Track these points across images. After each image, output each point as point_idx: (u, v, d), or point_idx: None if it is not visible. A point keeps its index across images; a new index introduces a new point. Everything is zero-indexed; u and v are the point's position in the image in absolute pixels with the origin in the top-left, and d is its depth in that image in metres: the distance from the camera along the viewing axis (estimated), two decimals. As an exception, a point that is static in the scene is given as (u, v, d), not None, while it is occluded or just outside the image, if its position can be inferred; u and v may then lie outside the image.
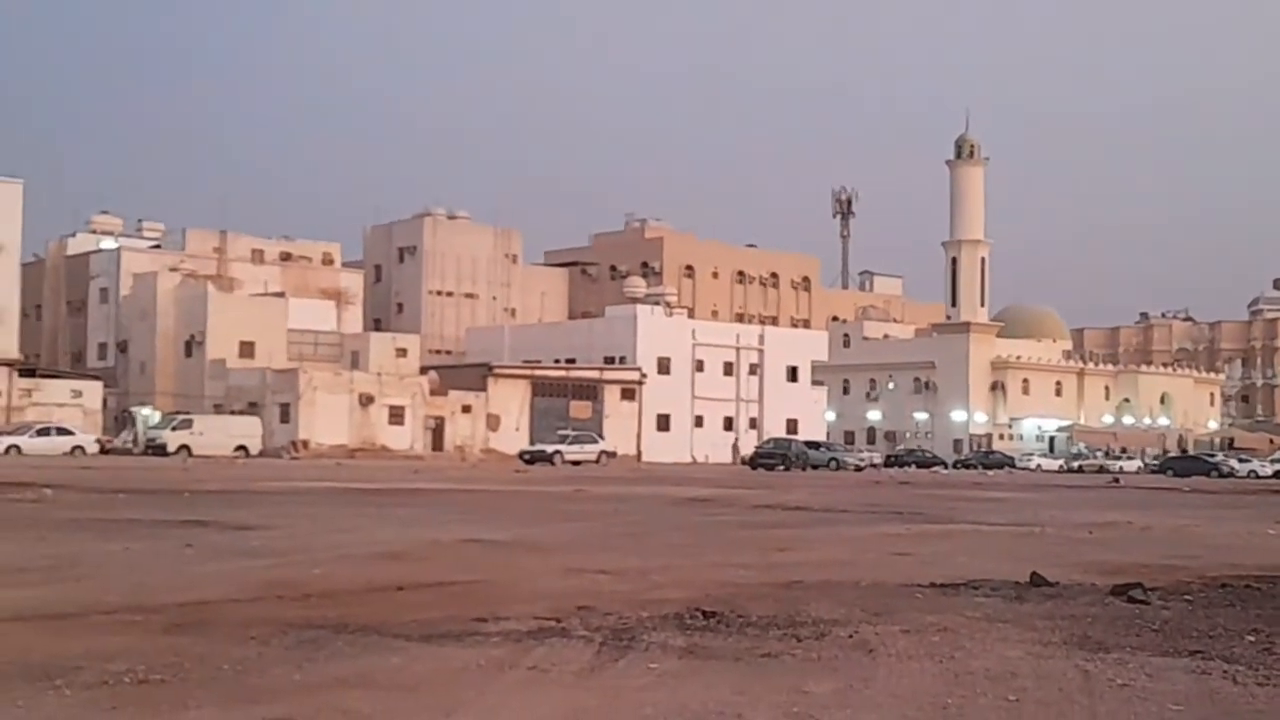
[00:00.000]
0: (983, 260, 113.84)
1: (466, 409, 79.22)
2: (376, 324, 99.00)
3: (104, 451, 64.16)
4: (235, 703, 6.26)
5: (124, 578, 11.59)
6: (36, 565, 12.40)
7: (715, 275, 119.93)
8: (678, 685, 7.05)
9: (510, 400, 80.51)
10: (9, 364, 68.85)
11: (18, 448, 59.41)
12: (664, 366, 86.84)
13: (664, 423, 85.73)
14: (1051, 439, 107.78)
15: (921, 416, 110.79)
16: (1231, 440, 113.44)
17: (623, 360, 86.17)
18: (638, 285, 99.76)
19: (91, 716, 5.89)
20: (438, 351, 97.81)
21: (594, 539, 17.70)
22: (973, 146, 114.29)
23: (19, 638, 8.12)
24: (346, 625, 8.79)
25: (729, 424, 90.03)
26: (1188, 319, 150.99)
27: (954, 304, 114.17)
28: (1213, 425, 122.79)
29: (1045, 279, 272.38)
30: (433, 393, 78.39)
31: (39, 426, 63.58)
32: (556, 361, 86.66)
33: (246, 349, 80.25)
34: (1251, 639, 9.01)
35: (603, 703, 6.52)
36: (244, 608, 9.71)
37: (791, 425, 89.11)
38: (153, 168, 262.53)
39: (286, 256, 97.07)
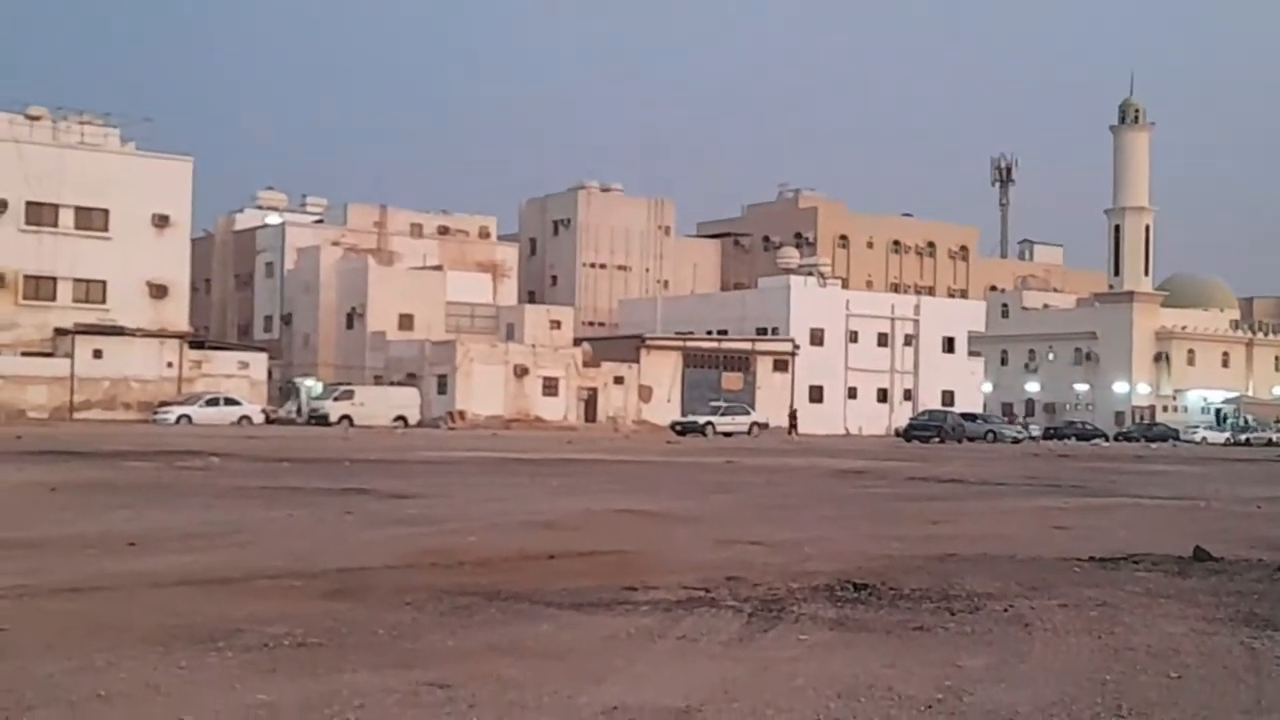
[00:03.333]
0: (1147, 228, 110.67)
1: (619, 380, 79.68)
2: (531, 296, 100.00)
3: (269, 421, 66.03)
4: (390, 667, 6.38)
5: (286, 544, 11.90)
6: (203, 531, 12.81)
7: (870, 245, 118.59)
8: (828, 657, 7.00)
9: (662, 372, 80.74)
10: (180, 336, 71.08)
11: (188, 417, 61.46)
12: (817, 338, 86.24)
13: (817, 394, 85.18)
14: (1218, 411, 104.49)
15: (1082, 388, 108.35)
16: None
17: (775, 331, 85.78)
18: (791, 256, 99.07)
19: (251, 678, 6.04)
20: (591, 323, 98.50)
21: (745, 510, 17.67)
22: (1137, 111, 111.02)
23: (185, 601, 8.39)
24: (499, 592, 8.90)
25: (883, 395, 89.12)
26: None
27: (1117, 273, 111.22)
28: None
29: (1212, 247, 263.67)
30: (586, 364, 78.99)
31: (208, 397, 65.65)
32: (709, 333, 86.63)
33: (406, 321, 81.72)
34: None
35: (752, 673, 6.50)
36: (400, 574, 9.90)
37: (947, 397, 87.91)
38: (316, 145, 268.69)
39: (444, 230, 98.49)
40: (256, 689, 5.79)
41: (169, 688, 5.83)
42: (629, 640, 7.34)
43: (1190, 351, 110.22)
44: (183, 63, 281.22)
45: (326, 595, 8.72)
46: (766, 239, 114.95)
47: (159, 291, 71.30)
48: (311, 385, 76.45)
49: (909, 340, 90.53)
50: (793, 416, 79.76)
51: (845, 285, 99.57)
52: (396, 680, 6.04)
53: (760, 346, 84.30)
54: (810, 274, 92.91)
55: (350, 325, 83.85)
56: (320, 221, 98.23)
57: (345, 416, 65.85)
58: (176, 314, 72.26)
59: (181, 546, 11.39)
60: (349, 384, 73.74)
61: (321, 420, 65.93)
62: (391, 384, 75.32)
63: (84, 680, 5.92)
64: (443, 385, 75.12)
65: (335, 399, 69.15)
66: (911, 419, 75.99)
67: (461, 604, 8.41)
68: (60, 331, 66.64)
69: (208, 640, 6.87)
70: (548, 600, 8.66)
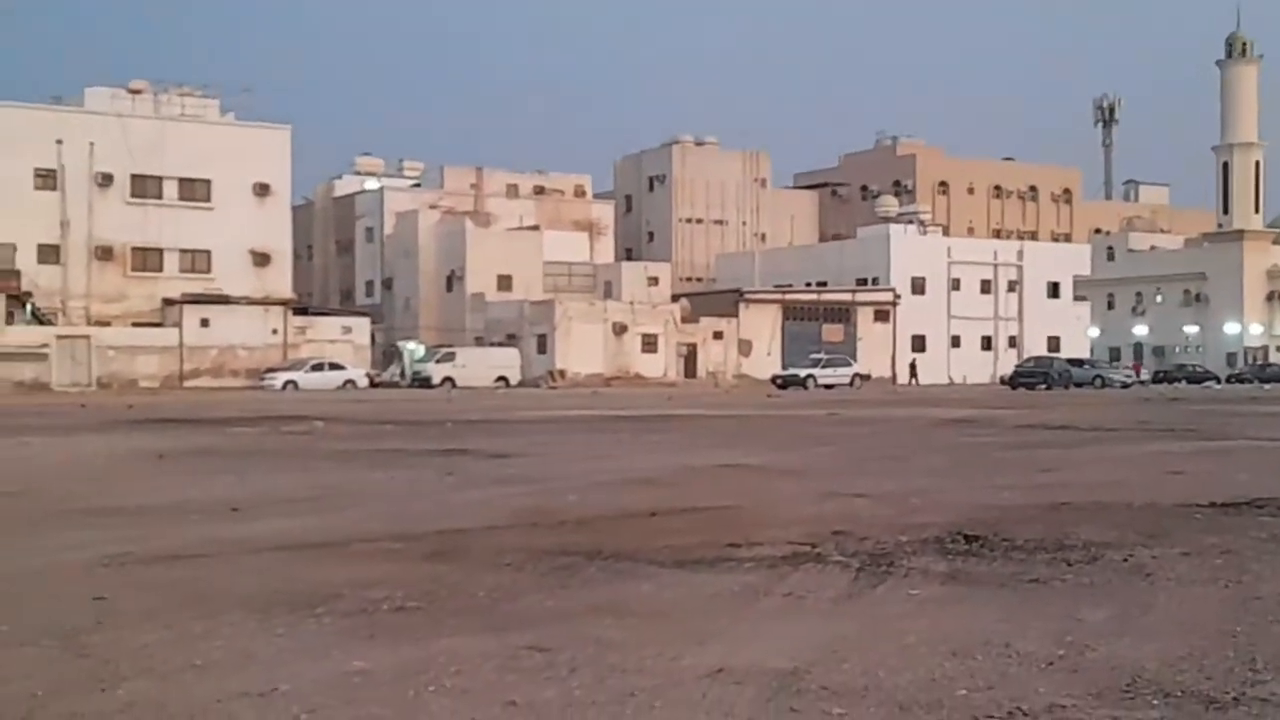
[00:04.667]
0: (1257, 164, 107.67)
1: (718, 335, 79.35)
2: (628, 253, 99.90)
3: (373, 385, 66.73)
4: (488, 630, 6.24)
5: (386, 506, 11.86)
6: (304, 495, 12.81)
7: (970, 191, 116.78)
8: (940, 613, 6.74)
9: (761, 325, 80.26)
10: (284, 303, 71.98)
11: (294, 383, 62.27)
12: (918, 286, 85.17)
13: (919, 343, 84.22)
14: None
15: (1191, 330, 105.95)
16: None
17: (875, 281, 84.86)
18: (890, 204, 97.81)
19: (348, 644, 5.93)
20: (688, 279, 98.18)
21: (849, 462, 17.38)
22: (1245, 44, 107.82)
23: (285, 566, 8.34)
24: (599, 552, 8.74)
25: (987, 343, 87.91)
26: None
27: (1225, 211, 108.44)
28: None
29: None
30: (684, 320, 78.75)
31: (313, 362, 66.46)
32: (808, 285, 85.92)
33: (504, 282, 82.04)
34: None
35: (862, 630, 6.27)
36: (500, 535, 9.78)
37: (1053, 343, 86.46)
38: (412, 108, 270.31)
39: (540, 190, 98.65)
40: (353, 655, 5.67)
41: (265, 656, 5.73)
42: (733, 599, 7.14)
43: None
44: (278, 31, 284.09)
45: (426, 558, 8.62)
46: (864, 188, 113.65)
47: (262, 260, 72.23)
48: (413, 348, 77.03)
49: (1012, 286, 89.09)
50: (913, 366, 79.58)
51: (946, 232, 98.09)
52: (494, 644, 5.90)
53: (860, 297, 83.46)
54: (910, 222, 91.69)
55: (450, 288, 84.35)
56: (417, 185, 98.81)
57: (447, 378, 66.28)
58: (279, 281, 73.17)
59: (283, 511, 11.38)
60: (450, 346, 74.21)
61: (424, 383, 66.43)
62: (492, 345, 75.67)
63: (180, 649, 5.85)
64: (542, 345, 75.34)
65: (437, 361, 69.64)
66: (1017, 366, 74.88)
67: (561, 564, 8.26)
68: (168, 302, 67.76)
69: (306, 606, 6.78)
70: (649, 559, 8.48)
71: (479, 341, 77.27)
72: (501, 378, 68.81)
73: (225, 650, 5.82)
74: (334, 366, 66.49)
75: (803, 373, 68.24)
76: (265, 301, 70.88)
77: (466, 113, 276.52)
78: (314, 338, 72.99)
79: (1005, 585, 7.54)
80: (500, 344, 75.27)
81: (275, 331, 70.89)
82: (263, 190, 72.22)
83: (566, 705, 4.90)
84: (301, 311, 75.42)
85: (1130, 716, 4.72)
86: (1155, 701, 4.91)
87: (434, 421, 29.08)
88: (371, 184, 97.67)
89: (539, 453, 18.78)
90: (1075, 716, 4.72)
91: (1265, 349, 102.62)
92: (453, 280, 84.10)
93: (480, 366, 69.55)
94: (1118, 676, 5.28)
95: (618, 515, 10.97)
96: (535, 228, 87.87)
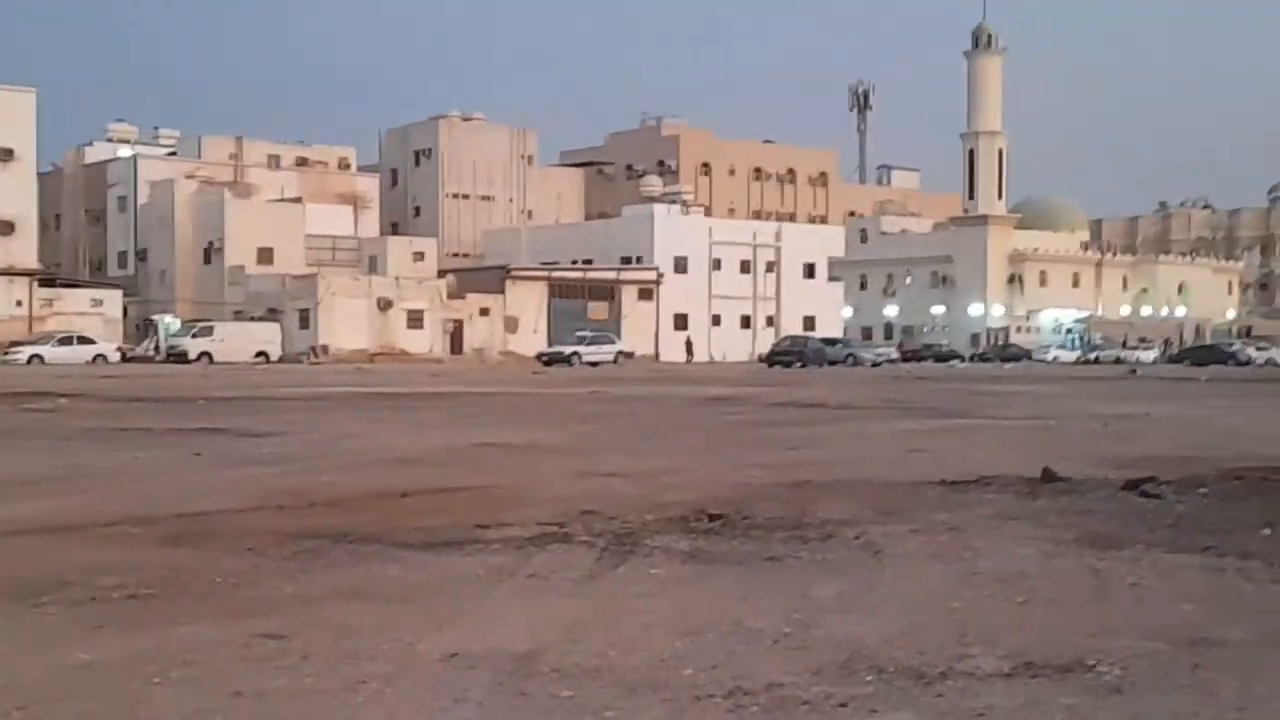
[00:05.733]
0: (1000, 152, 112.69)
1: (484, 312, 79.22)
2: (394, 228, 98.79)
3: (125, 360, 64.55)
4: (225, 617, 6.15)
5: (129, 488, 11.51)
6: (44, 476, 12.33)
7: (732, 173, 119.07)
8: (678, 592, 6.92)
9: (528, 302, 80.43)
10: (28, 274, 69.02)
11: (40, 357, 59.75)
12: (681, 266, 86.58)
13: (681, 322, 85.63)
14: (1069, 330, 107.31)
15: (939, 310, 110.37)
16: (1249, 329, 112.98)
17: (640, 260, 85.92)
18: (654, 184, 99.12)
19: (74, 635, 5.77)
20: (455, 255, 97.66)
21: (607, 441, 17.59)
22: (990, 36, 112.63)
23: (16, 552, 8.03)
24: (348, 534, 8.67)
25: (746, 322, 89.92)
26: (1206, 207, 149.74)
27: (971, 197, 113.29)
28: (1231, 314, 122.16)
29: (1064, 170, 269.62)
30: (451, 296, 78.37)
31: (60, 336, 63.91)
32: (574, 262, 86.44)
33: (265, 255, 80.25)
34: (1267, 533, 8.82)
35: (600, 611, 6.40)
36: (246, 518, 9.61)
37: (809, 322, 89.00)
38: (168, 74, 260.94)
39: (303, 162, 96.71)
40: (79, 647, 5.52)
41: (-18, 649, 5.53)
42: (477, 581, 7.19)
43: (1042, 273, 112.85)
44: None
45: (165, 542, 8.41)
46: (630, 167, 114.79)
47: (4, 228, 69.10)
48: (169, 322, 74.76)
49: (770, 267, 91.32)
50: (689, 344, 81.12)
51: (708, 213, 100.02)
52: (230, 632, 5.82)
53: (625, 276, 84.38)
54: (673, 202, 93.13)
55: (208, 260, 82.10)
56: (174, 154, 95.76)
57: (204, 353, 64.55)
58: (24, 251, 70.06)
59: (14, 494, 10.93)
60: (208, 320, 72.28)
61: (180, 358, 64.55)
62: (252, 319, 74.01)
63: (-111, 644, 5.60)
64: (305, 320, 74.01)
65: (194, 336, 67.76)
66: (774, 345, 76.87)
67: (307, 548, 8.17)
68: (-102, 270, 64.23)
69: (31, 595, 6.55)
70: (398, 541, 8.46)
71: (238, 316, 75.45)
72: (261, 353, 67.35)
73: (-62, 644, 5.60)
74: (83, 340, 64.05)
75: (568, 350, 68.74)
76: (9, 272, 67.83)
77: (227, 82, 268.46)
78: (62, 310, 70.19)
79: (743, 563, 7.76)
80: (261, 318, 73.65)
81: (20, 303, 67.92)
82: (5, 155, 68.93)
83: (295, 694, 4.88)
84: (49, 283, 72.43)
85: (844, 692, 4.94)
86: (869, 677, 5.14)
87: (187, 398, 28.31)
88: (125, 151, 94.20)
89: (296, 431, 18.45)
90: (793, 693, 4.92)
91: (1006, 330, 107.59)
92: (211, 252, 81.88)
93: (239, 341, 67.94)
94: (838, 653, 5.52)
95: (370, 496, 10.89)
96: (298, 200, 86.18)
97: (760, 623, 6.10)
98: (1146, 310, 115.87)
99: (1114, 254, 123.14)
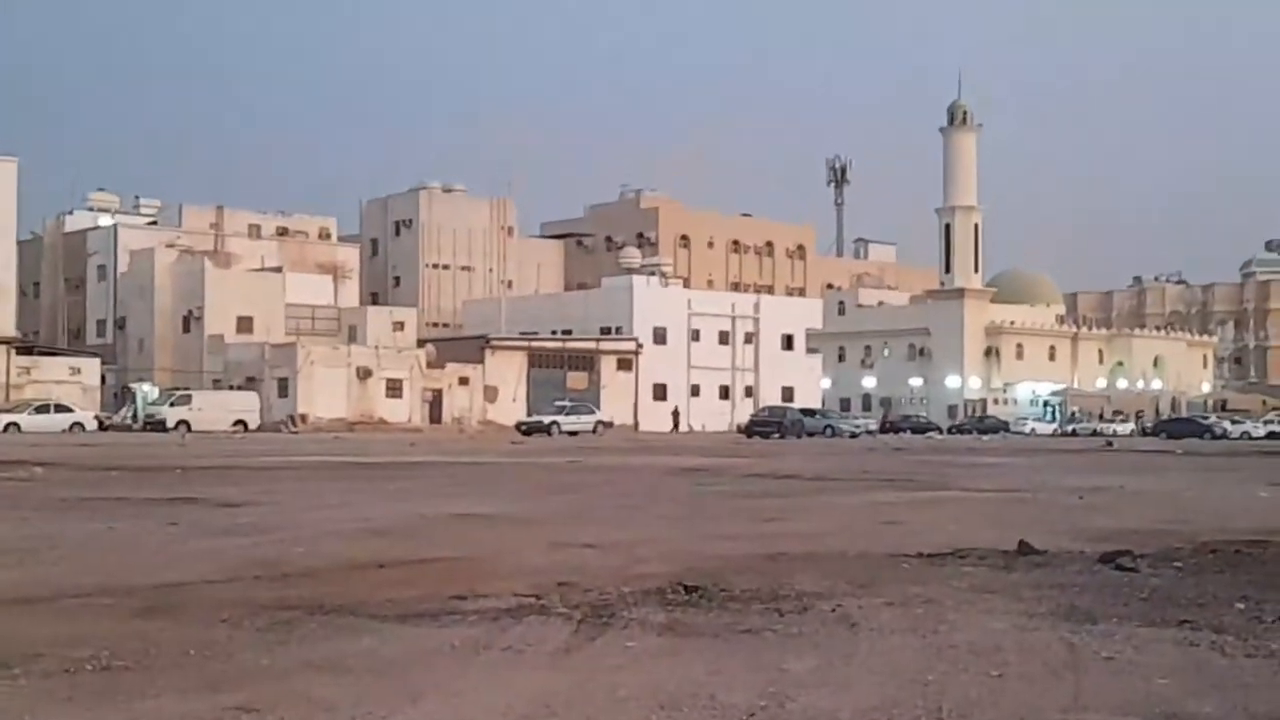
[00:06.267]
0: (976, 226, 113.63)
1: (464, 381, 79.17)
2: (374, 298, 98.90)
3: (103, 428, 64.16)
4: (197, 690, 6.12)
5: (102, 559, 11.44)
6: (14, 547, 12.24)
7: (710, 245, 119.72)
8: (653, 665, 6.91)
9: (507, 372, 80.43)
10: (6, 342, 68.75)
11: (17, 425, 59.36)
12: (660, 336, 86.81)
13: (660, 392, 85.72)
14: (1046, 403, 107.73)
15: (916, 383, 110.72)
16: (1224, 402, 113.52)
17: (619, 331, 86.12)
18: (633, 256, 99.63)
19: (44, 708, 5.73)
20: (435, 324, 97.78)
21: (584, 511, 17.56)
22: (965, 112, 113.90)
23: (-13, 623, 7.98)
24: (322, 606, 8.64)
25: (725, 393, 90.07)
26: (1180, 282, 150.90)
27: (948, 270, 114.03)
28: (1205, 388, 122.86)
29: (1039, 244, 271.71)
30: (430, 365, 78.32)
31: (38, 404, 63.55)
32: (553, 333, 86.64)
33: (244, 324, 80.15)
34: (1240, 607, 8.87)
35: (575, 685, 6.39)
36: (220, 589, 9.57)
37: (787, 393, 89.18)
38: (149, 145, 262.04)
39: (283, 231, 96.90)
40: None
41: (-49, 722, 5.50)
42: (453, 653, 7.17)
43: (1019, 346, 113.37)
44: (7, 56, 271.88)
45: (139, 614, 8.36)
46: (609, 239, 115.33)
47: (-18, 296, 68.81)
48: (147, 390, 74.45)
49: (749, 338, 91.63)
50: (675, 414, 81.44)
51: (687, 284, 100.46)
52: (202, 705, 5.79)
53: (604, 346, 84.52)
54: (652, 274, 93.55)
55: (187, 329, 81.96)
56: (154, 223, 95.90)
57: (182, 422, 64.19)
58: (2, 319, 69.89)
59: (-12, 565, 10.86)
60: (186, 388, 72.00)
61: (158, 426, 64.20)
62: (231, 388, 73.77)
63: None
64: (284, 389, 73.83)
65: (171, 404, 67.47)
66: (752, 415, 76.95)
67: (281, 619, 8.13)
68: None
69: (3, 667, 6.51)
70: (372, 613, 8.43)
71: (217, 384, 75.25)
72: (240, 422, 67.07)
73: (-91, 717, 5.56)
74: (60, 408, 63.72)
75: (547, 419, 68.68)
76: (-14, 340, 67.50)
77: (207, 152, 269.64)
78: (39, 378, 69.88)
79: (719, 636, 7.76)
80: (239, 387, 73.43)
81: (-4, 371, 67.51)
82: (-15, 223, 68.90)
83: (268, 767, 4.87)
84: (26, 351, 72.16)
85: (818, 765, 4.94)
86: (843, 751, 5.15)
87: (164, 467, 28.15)
88: (105, 220, 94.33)
89: (272, 501, 18.38)
90: (766, 767, 4.92)
91: (984, 401, 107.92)
92: (190, 321, 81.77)
93: (217, 410, 67.66)
94: (812, 726, 5.52)
95: (345, 567, 10.86)
96: (278, 269, 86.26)
97: (735, 696, 6.10)
98: (1122, 383, 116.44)
99: (1090, 327, 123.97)
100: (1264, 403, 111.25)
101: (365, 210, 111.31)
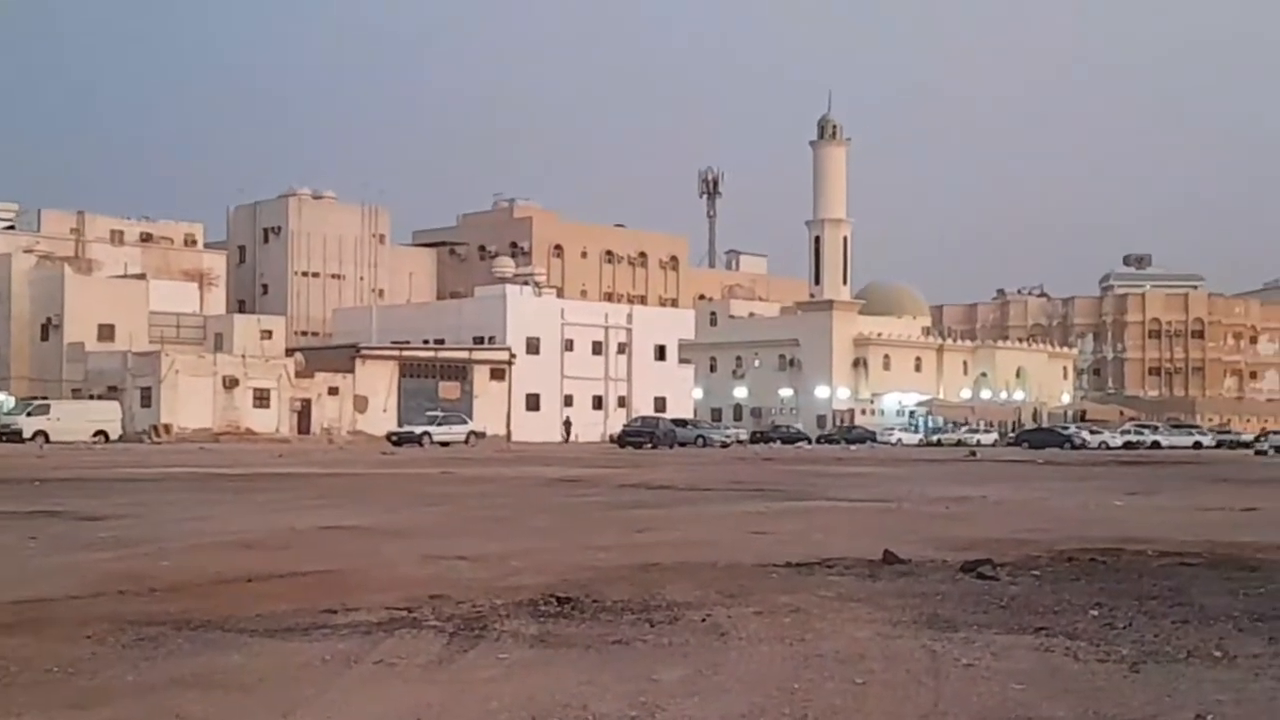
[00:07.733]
0: (845, 239, 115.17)
1: (333, 391, 78.21)
2: (241, 306, 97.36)
3: (-46, 439, 62.18)
4: (61, 708, 6.03)
5: (-41, 575, 11.16)
6: None
7: (584, 255, 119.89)
8: (526, 676, 6.97)
9: (378, 381, 79.65)
10: None
11: None
12: (533, 346, 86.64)
13: (534, 402, 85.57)
14: (912, 413, 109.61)
15: (786, 393, 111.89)
16: (1084, 413, 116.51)
17: (492, 340, 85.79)
18: (506, 265, 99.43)
19: (-99, 729, 5.63)
20: (304, 333, 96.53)
21: (456, 523, 17.53)
22: (835, 127, 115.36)
23: None
24: (189, 621, 8.55)
25: (598, 403, 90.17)
26: (1043, 295, 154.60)
27: (817, 282, 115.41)
28: (1066, 398, 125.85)
29: (906, 258, 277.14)
30: (299, 375, 77.24)
31: (-119, 415, 61.41)
32: (425, 342, 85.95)
33: (106, 332, 78.35)
34: (1094, 613, 9.19)
35: (447, 697, 6.42)
36: (84, 604, 9.40)
37: (660, 403, 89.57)
38: (4, 146, 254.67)
39: (147, 237, 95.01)
40: (-93, 741, 5.39)
41: None
42: (323, 667, 7.15)
43: (886, 357, 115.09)
44: None
45: (-1, 631, 8.20)
46: (482, 248, 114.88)
47: None
48: (3, 400, 72.37)
49: (622, 348, 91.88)
50: (566, 424, 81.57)
51: (560, 294, 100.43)
52: (67, 723, 5.72)
53: (477, 356, 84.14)
54: (526, 283, 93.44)
55: (45, 337, 79.88)
56: (11, 228, 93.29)
57: (40, 432, 62.51)
58: None
59: None
60: (44, 398, 70.15)
61: (14, 437, 62.39)
62: (91, 397, 72.02)
63: None
64: (147, 398, 72.28)
65: (29, 414, 65.65)
66: (625, 425, 77.11)
67: (148, 635, 8.03)
68: None
69: None
70: (241, 627, 8.36)
71: (77, 394, 73.41)
72: (101, 432, 65.52)
73: None
74: (-90, 419, 61.66)
75: (419, 430, 68.18)
76: None
77: (68, 155, 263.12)
78: (-115, 388, 67.51)
79: (591, 647, 7.84)
80: (101, 397, 71.72)
81: None
82: None
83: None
84: None
85: (687, 774, 5.04)
86: (711, 759, 5.26)
87: (21, 479, 27.44)
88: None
89: (136, 514, 18.04)
90: (636, 776, 5.01)
91: (852, 412, 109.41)
92: (49, 329, 79.72)
93: (77, 420, 66.01)
94: (682, 735, 5.63)
95: (213, 581, 10.74)
96: (141, 276, 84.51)
97: (606, 706, 6.18)
98: (986, 394, 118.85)
99: (955, 339, 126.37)
100: (1121, 413, 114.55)
101: (233, 217, 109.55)
